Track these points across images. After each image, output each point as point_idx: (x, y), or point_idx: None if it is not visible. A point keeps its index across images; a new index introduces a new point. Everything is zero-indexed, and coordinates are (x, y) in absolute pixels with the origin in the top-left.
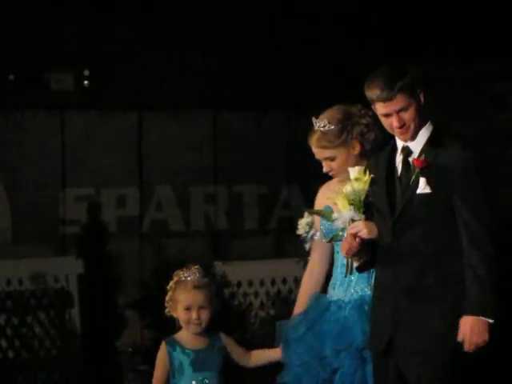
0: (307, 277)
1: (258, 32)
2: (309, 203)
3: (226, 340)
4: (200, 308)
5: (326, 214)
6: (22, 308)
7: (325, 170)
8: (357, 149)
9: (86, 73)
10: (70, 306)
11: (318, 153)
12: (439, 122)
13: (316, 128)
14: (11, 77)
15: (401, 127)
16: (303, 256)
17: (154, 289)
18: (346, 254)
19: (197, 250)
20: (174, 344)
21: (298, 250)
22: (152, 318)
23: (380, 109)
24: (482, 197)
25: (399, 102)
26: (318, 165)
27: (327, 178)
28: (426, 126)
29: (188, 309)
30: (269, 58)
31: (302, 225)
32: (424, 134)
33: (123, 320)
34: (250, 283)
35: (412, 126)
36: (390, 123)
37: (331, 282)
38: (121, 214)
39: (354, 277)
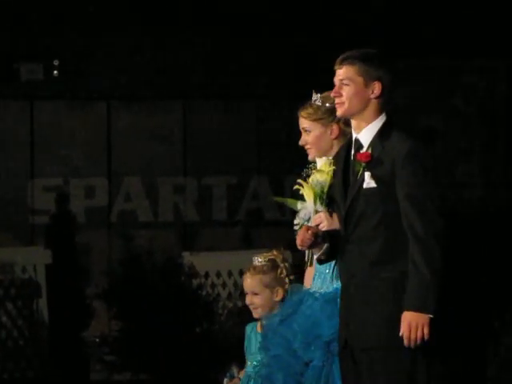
0: (309, 268)
1: (231, 22)
2: (278, 194)
3: None
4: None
5: (291, 204)
6: None
7: (300, 142)
8: (334, 133)
9: (56, 63)
10: (37, 296)
11: (300, 122)
12: (403, 115)
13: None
14: None
15: (335, 96)
16: (271, 247)
17: (121, 279)
18: (300, 245)
19: (165, 241)
20: None
21: (265, 241)
22: (119, 308)
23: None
24: (424, 189)
25: (343, 72)
26: (288, 156)
27: (297, 169)
28: (378, 119)
29: None
30: (238, 49)
31: (298, 220)
32: (374, 127)
33: (91, 310)
34: (218, 274)
35: (346, 104)
36: (334, 90)
37: (314, 273)
38: (89, 204)
39: (330, 268)
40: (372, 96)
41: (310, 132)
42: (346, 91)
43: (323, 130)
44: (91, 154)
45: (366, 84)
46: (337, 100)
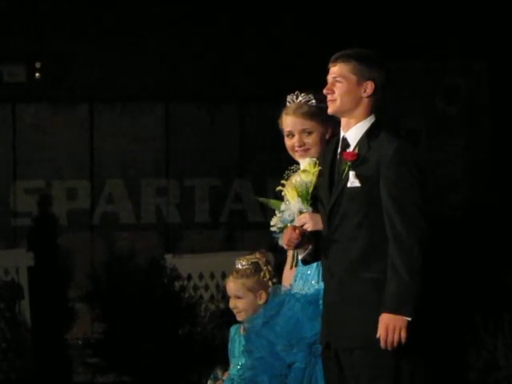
0: (286, 271)
1: (214, 23)
2: (261, 196)
3: None
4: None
5: (274, 205)
6: None
7: (297, 143)
8: (329, 133)
9: (38, 65)
10: (20, 298)
11: (296, 123)
12: (387, 116)
13: (298, 100)
14: None
15: (328, 93)
16: (254, 249)
17: (104, 281)
18: (287, 246)
19: (148, 243)
20: None
21: (248, 243)
22: (102, 310)
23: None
24: (409, 191)
25: (337, 70)
26: (270, 158)
27: (279, 171)
28: (368, 119)
29: None
30: (220, 50)
31: (275, 220)
32: (363, 127)
33: (73, 313)
34: (201, 276)
35: (338, 101)
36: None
37: (294, 274)
38: (71, 206)
39: (312, 269)
40: (364, 95)
41: (312, 132)
42: (339, 88)
43: (324, 131)
44: (73, 156)
45: (359, 82)
46: (329, 97)
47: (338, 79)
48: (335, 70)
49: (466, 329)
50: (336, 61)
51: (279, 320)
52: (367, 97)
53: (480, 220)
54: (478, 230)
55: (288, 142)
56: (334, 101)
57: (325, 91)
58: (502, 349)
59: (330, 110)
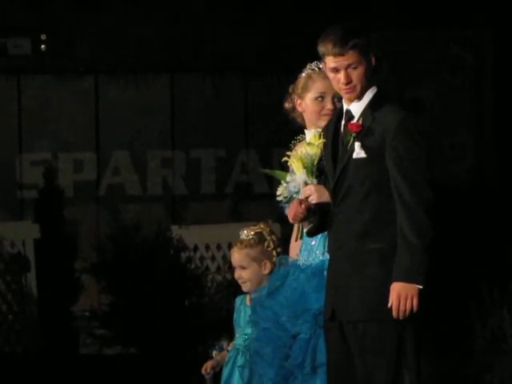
0: (292, 243)
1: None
2: (266, 167)
3: None
4: None
5: (280, 175)
6: None
7: (343, 80)
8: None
9: (43, 37)
10: (26, 270)
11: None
12: (389, 86)
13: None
14: None
15: (347, 84)
16: (260, 220)
17: (110, 253)
18: (292, 219)
19: (154, 215)
20: None
21: (254, 214)
22: (109, 282)
23: (329, 63)
24: (415, 161)
25: (350, 58)
26: (276, 129)
27: (285, 142)
28: (370, 90)
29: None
30: (224, 21)
31: (281, 190)
32: (366, 98)
33: (80, 284)
34: (207, 247)
35: (358, 87)
36: (338, 80)
37: (301, 246)
38: (77, 178)
39: (317, 240)
40: (372, 67)
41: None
42: (356, 74)
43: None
44: (79, 128)
45: (368, 60)
46: (347, 86)
47: (353, 66)
48: (347, 59)
49: (472, 299)
50: (342, 49)
51: (284, 291)
52: (373, 70)
53: (486, 189)
54: (484, 200)
55: (316, 107)
56: (353, 87)
57: (342, 88)
58: (508, 318)
59: (351, 98)
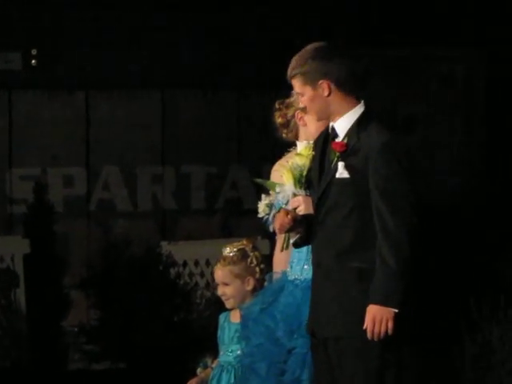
0: (277, 255)
1: (213, 10)
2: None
3: None
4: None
5: (270, 186)
6: None
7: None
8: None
9: (34, 52)
10: (15, 286)
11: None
12: (383, 103)
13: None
14: None
15: (303, 106)
16: (250, 236)
17: (100, 269)
18: (279, 230)
19: (144, 230)
20: None
21: (244, 230)
22: (98, 298)
23: None
24: (397, 183)
25: (295, 85)
26: (267, 145)
27: (276, 159)
28: (354, 109)
29: None
30: (218, 37)
31: (262, 207)
32: (351, 117)
33: (69, 300)
34: (196, 263)
35: (311, 111)
36: None
37: (290, 260)
38: (67, 193)
39: (308, 254)
40: (325, 95)
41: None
42: (304, 102)
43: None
44: (69, 143)
45: (314, 88)
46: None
47: (299, 93)
48: (294, 85)
49: (461, 314)
50: (290, 78)
51: (278, 306)
52: (328, 95)
53: (476, 205)
54: (474, 215)
55: None
56: (308, 111)
57: (300, 105)
58: (497, 333)
59: (315, 119)
